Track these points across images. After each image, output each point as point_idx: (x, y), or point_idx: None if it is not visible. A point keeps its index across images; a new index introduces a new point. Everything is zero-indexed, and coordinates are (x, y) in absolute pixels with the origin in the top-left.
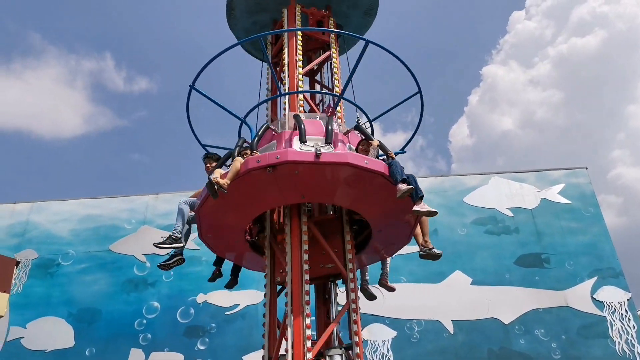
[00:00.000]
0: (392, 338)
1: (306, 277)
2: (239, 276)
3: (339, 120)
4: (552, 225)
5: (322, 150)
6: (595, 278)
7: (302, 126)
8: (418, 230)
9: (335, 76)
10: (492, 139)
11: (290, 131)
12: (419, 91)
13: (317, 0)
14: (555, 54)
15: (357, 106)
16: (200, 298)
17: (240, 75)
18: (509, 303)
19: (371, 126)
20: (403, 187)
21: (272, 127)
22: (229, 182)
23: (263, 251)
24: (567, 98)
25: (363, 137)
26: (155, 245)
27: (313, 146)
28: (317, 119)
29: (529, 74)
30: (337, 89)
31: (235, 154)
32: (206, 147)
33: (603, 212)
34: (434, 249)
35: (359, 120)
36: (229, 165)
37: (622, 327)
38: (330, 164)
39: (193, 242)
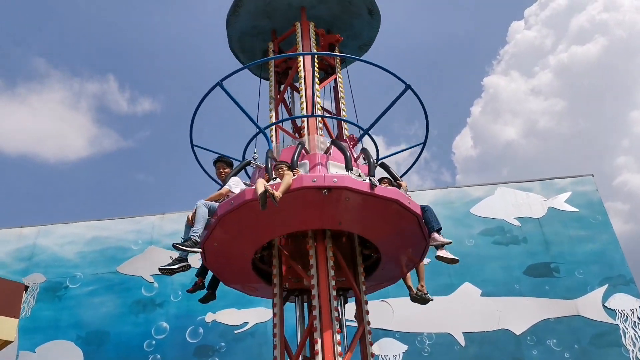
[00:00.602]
0: (403, 352)
1: (335, 303)
2: (216, 290)
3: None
4: (560, 234)
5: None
6: (606, 286)
7: (348, 154)
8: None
9: (342, 100)
10: (497, 149)
11: (322, 154)
12: (425, 142)
13: (321, 22)
14: (556, 63)
15: (375, 144)
16: (209, 317)
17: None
18: (519, 314)
19: (377, 159)
20: (440, 238)
21: (305, 146)
22: (281, 194)
23: (260, 271)
24: (569, 106)
25: (386, 176)
26: (175, 245)
27: (359, 175)
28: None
29: (530, 84)
30: (343, 112)
31: (269, 166)
32: (194, 147)
33: (610, 219)
34: (428, 294)
35: (366, 152)
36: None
37: (635, 334)
38: (381, 197)
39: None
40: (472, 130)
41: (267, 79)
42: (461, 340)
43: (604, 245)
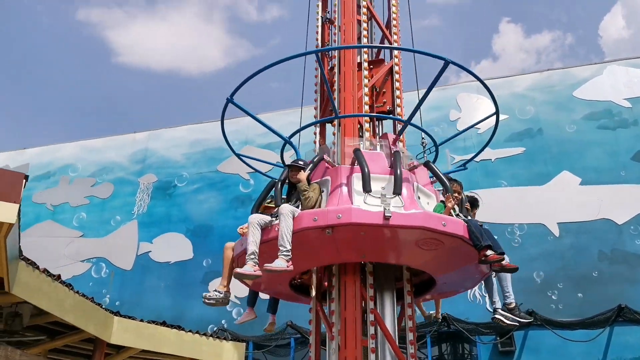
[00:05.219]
0: None
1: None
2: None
3: (403, 149)
4: None
5: (391, 207)
6: None
7: (367, 170)
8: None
9: (398, 93)
10: None
11: (348, 167)
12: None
13: None
14: None
15: (424, 131)
16: None
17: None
18: (623, 202)
19: (436, 150)
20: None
21: (327, 158)
22: None
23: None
24: None
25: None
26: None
27: (379, 198)
28: (378, 149)
29: None
30: (398, 109)
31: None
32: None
33: None
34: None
35: (424, 142)
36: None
37: None
38: (401, 227)
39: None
40: (624, 7)
41: None
42: (555, 231)
43: None
